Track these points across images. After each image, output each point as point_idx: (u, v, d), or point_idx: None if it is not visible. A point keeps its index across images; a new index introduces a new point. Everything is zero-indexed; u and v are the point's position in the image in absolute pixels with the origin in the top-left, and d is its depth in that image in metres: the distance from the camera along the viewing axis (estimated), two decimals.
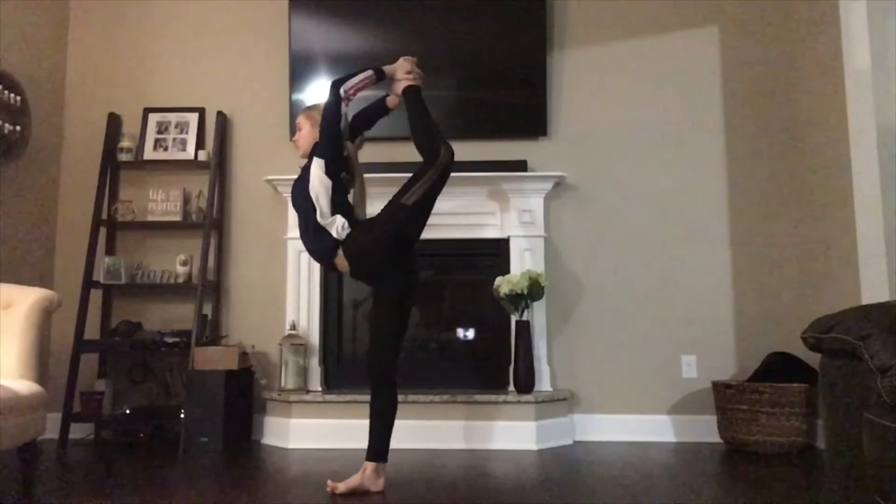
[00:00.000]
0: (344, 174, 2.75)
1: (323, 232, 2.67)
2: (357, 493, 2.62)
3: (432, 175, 2.64)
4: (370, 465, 2.65)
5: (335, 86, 2.72)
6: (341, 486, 2.63)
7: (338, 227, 2.65)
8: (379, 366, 2.71)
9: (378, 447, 2.66)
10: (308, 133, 2.81)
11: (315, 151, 2.72)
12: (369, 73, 2.77)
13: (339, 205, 2.69)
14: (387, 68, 2.82)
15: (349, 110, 2.80)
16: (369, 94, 2.96)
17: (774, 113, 3.98)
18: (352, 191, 2.81)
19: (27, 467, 2.67)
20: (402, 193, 2.66)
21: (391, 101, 2.90)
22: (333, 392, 3.78)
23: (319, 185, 2.66)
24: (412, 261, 2.77)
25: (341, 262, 2.68)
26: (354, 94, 2.75)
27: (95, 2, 4.29)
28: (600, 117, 4.08)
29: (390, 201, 2.68)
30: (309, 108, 2.92)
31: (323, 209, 2.66)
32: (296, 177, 2.81)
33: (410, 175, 2.69)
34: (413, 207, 2.64)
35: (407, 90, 2.79)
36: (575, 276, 3.98)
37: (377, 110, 2.94)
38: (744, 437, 3.45)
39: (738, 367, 3.84)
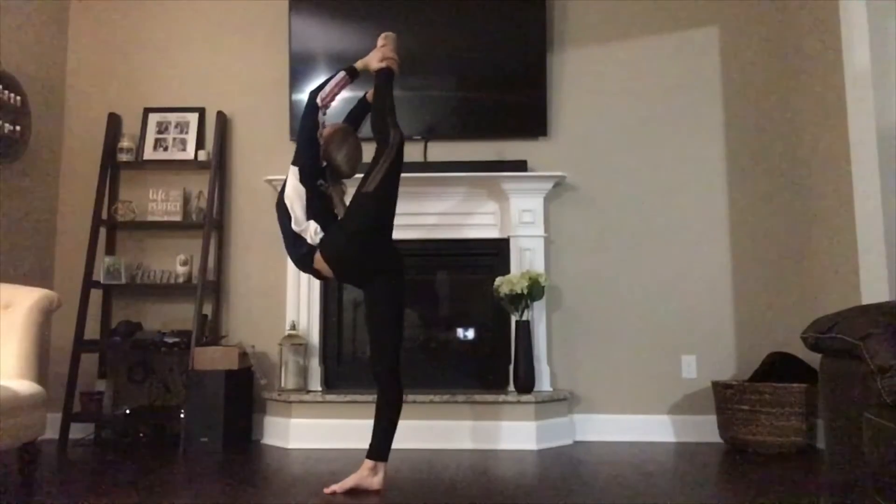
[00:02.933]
0: (321, 182, 2.75)
1: (299, 238, 2.69)
2: (355, 492, 2.63)
3: (386, 159, 2.67)
4: (367, 463, 2.66)
5: (311, 95, 2.74)
6: (338, 487, 2.64)
7: (311, 232, 2.67)
8: (381, 365, 2.72)
9: (378, 446, 2.67)
10: None
11: (292, 160, 2.74)
12: (342, 75, 2.79)
13: (316, 210, 2.69)
14: (359, 64, 2.84)
15: (327, 118, 2.80)
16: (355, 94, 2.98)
17: (774, 113, 3.98)
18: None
19: (27, 467, 2.67)
20: (362, 184, 2.69)
21: (371, 95, 2.92)
22: (333, 392, 3.78)
23: (293, 192, 2.69)
24: (394, 255, 2.77)
25: (321, 265, 2.69)
26: (331, 99, 2.76)
27: (95, 2, 4.29)
28: (600, 117, 4.08)
29: (353, 196, 2.70)
30: None
31: (297, 216, 2.68)
32: None
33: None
34: (375, 193, 2.66)
35: (379, 70, 2.81)
36: (575, 276, 3.98)
37: (362, 109, 2.97)
38: (744, 437, 3.45)
39: (738, 367, 3.84)
